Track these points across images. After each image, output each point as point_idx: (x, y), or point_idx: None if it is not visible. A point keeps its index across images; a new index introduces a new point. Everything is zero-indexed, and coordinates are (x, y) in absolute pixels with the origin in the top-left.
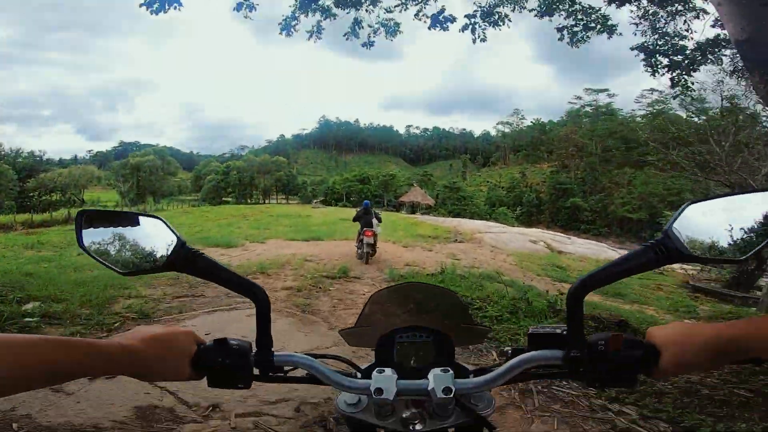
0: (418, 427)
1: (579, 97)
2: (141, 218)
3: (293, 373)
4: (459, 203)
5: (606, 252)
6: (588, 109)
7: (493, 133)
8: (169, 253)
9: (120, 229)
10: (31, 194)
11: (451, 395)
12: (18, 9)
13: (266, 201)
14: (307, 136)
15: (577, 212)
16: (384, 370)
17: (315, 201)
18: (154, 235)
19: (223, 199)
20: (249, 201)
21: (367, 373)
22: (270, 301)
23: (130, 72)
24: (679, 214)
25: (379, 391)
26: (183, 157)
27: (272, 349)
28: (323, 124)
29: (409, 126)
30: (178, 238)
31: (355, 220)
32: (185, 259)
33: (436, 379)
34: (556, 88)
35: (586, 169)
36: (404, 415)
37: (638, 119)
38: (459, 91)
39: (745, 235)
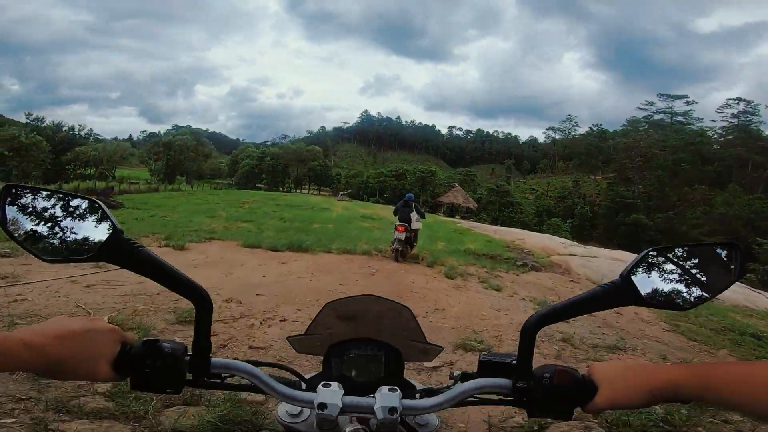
0: None
1: (651, 103)
2: (75, 200)
3: (232, 380)
4: (505, 210)
5: None
6: (660, 116)
7: (540, 139)
8: (101, 242)
9: (49, 211)
10: (67, 167)
11: (396, 416)
12: None
13: (298, 190)
14: (348, 129)
15: (638, 230)
16: (330, 384)
17: (341, 193)
18: (88, 221)
19: (257, 185)
20: (281, 189)
21: (311, 384)
22: (213, 306)
23: (191, 60)
24: (639, 259)
25: (323, 406)
26: (230, 143)
27: (210, 355)
28: (365, 119)
29: (451, 127)
30: (114, 225)
31: (395, 213)
32: (119, 250)
33: (383, 398)
34: (611, 97)
35: (653, 183)
36: (347, 430)
37: (719, 131)
38: (506, 95)
39: (697, 286)
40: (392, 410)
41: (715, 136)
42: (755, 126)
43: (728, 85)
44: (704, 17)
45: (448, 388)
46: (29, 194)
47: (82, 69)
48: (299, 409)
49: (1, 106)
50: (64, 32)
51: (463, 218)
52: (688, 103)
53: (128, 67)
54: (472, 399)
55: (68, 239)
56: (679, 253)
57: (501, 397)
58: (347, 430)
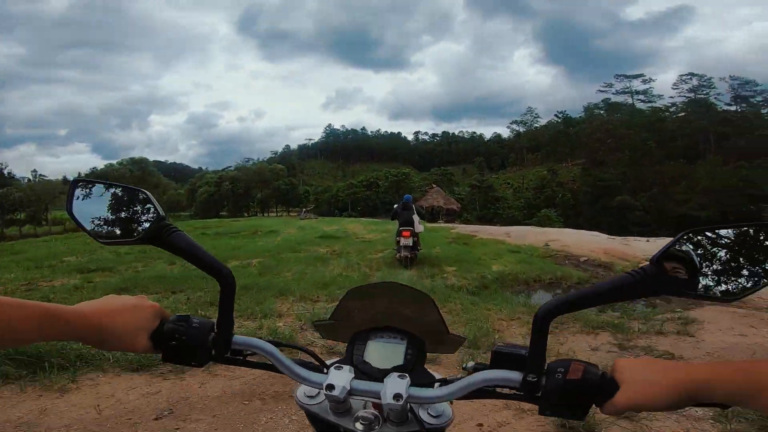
0: (373, 427)
1: (610, 84)
2: (128, 190)
3: (252, 358)
4: (491, 206)
5: None
6: (622, 97)
7: (504, 134)
8: (146, 227)
9: (106, 200)
10: None
11: (401, 402)
12: (27, 27)
13: (264, 213)
14: (313, 146)
15: (625, 212)
16: (342, 367)
17: (305, 211)
18: (137, 208)
19: (220, 213)
20: (246, 214)
21: (328, 367)
22: (235, 284)
23: (142, 89)
24: (674, 243)
25: (331, 387)
26: (192, 173)
27: (232, 332)
28: (329, 133)
29: (417, 132)
30: (158, 212)
31: (393, 218)
32: (160, 234)
33: (390, 383)
34: (563, 89)
35: (627, 163)
36: (359, 414)
37: (679, 106)
38: (465, 96)
39: (742, 273)
40: (397, 396)
41: (676, 112)
42: (713, 99)
43: (663, 69)
44: (631, 5)
45: (461, 378)
46: (91, 187)
47: (26, 106)
48: (317, 391)
49: None
50: None
51: (447, 221)
52: (644, 81)
53: (74, 101)
54: (484, 391)
55: (120, 224)
56: (718, 236)
57: (513, 391)
58: (359, 414)
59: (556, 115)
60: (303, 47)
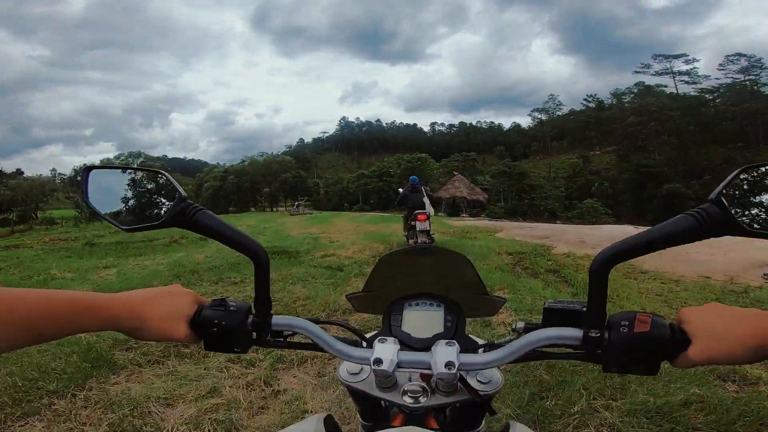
0: (420, 400)
1: (647, 65)
2: (146, 173)
3: (293, 338)
4: (525, 197)
5: None
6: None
7: (523, 124)
8: (170, 209)
9: (124, 185)
10: None
11: (454, 371)
12: (50, 29)
13: (274, 208)
14: (329, 138)
15: (674, 201)
16: (386, 340)
17: (297, 204)
18: (157, 191)
19: (229, 208)
20: (253, 209)
21: (371, 342)
22: (269, 261)
23: (164, 88)
24: (731, 179)
25: (379, 361)
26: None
27: (271, 312)
28: (344, 126)
29: (434, 123)
30: (179, 193)
31: (400, 202)
32: (184, 215)
33: (440, 352)
34: (583, 79)
35: (674, 148)
36: (406, 388)
37: (723, 89)
38: (483, 88)
39: None
40: (449, 365)
41: (721, 95)
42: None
43: (691, 57)
44: None
45: (510, 341)
46: (106, 173)
47: (53, 106)
48: (360, 367)
49: None
50: (25, 69)
51: (472, 216)
52: (687, 61)
53: (99, 101)
54: (538, 353)
55: (142, 209)
56: None
57: (570, 350)
58: (406, 387)
59: (586, 99)
60: (319, 42)
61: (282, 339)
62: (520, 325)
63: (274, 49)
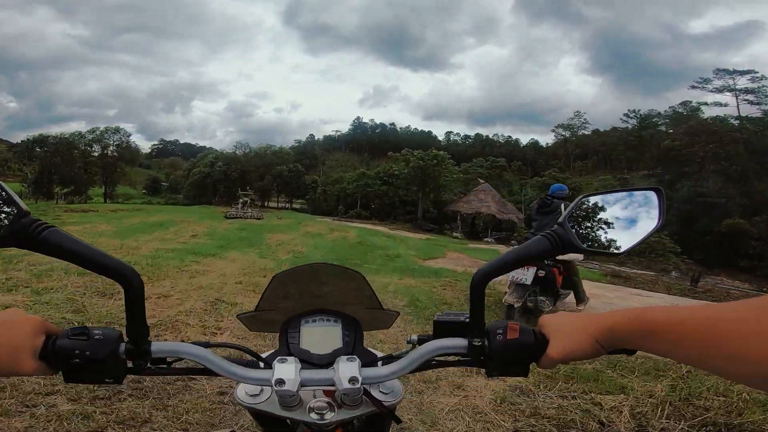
0: (326, 417)
1: (706, 80)
2: None
3: (179, 364)
4: None
5: None
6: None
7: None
8: (6, 225)
9: None
10: None
11: (358, 385)
12: (91, 9)
13: (265, 202)
14: (340, 137)
15: (732, 240)
16: (286, 359)
17: (241, 200)
18: None
19: (213, 199)
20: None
21: (268, 362)
22: (144, 285)
23: (189, 75)
24: (573, 206)
25: (281, 381)
26: None
27: (149, 338)
28: (357, 126)
29: (449, 132)
30: (19, 206)
31: (528, 226)
32: (27, 233)
33: (342, 368)
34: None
35: (735, 176)
36: (311, 405)
37: None
38: (503, 102)
39: (628, 230)
40: (353, 380)
41: None
42: None
43: (760, 74)
44: (696, 18)
45: (407, 353)
46: None
47: (79, 85)
48: (259, 388)
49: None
50: (60, 48)
51: (495, 240)
52: (754, 79)
53: (125, 83)
54: (432, 362)
55: None
56: (610, 199)
57: (459, 357)
58: (311, 404)
59: (626, 115)
60: (344, 42)
61: (165, 366)
62: (414, 337)
63: (299, 46)
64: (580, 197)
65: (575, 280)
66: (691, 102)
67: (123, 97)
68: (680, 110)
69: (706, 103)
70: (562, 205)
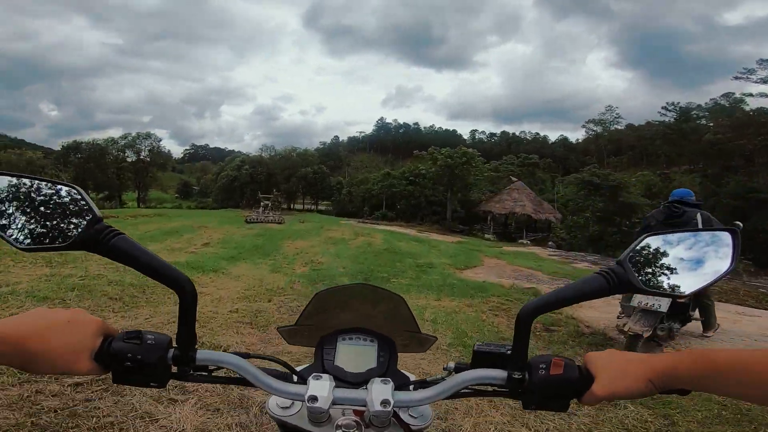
0: None
1: (750, 71)
2: (55, 187)
3: (219, 373)
4: (624, 220)
5: None
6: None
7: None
8: (79, 230)
9: (28, 198)
10: None
11: (389, 408)
12: (125, 18)
13: (291, 204)
14: (364, 138)
15: None
16: (321, 376)
17: (262, 203)
18: (67, 208)
19: (240, 202)
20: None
21: (303, 376)
22: (197, 294)
23: (218, 80)
24: (636, 245)
25: (314, 398)
26: None
27: (196, 347)
28: (381, 127)
29: (474, 130)
30: (94, 213)
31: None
32: (97, 238)
33: (375, 390)
34: (639, 95)
35: None
36: (339, 423)
37: None
38: (529, 99)
39: (693, 272)
40: (385, 402)
41: None
42: None
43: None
44: (730, 10)
45: (442, 379)
46: (8, 181)
47: (116, 92)
48: (290, 401)
49: (43, 131)
50: (97, 55)
51: (532, 241)
52: None
53: (160, 90)
54: (466, 390)
55: (46, 227)
56: (677, 239)
57: (495, 388)
58: (340, 422)
59: (665, 108)
60: (366, 43)
61: (206, 373)
62: (451, 365)
63: (322, 48)
64: (644, 236)
65: (707, 303)
66: (734, 93)
67: (157, 104)
68: (722, 102)
69: (751, 94)
70: (698, 215)
